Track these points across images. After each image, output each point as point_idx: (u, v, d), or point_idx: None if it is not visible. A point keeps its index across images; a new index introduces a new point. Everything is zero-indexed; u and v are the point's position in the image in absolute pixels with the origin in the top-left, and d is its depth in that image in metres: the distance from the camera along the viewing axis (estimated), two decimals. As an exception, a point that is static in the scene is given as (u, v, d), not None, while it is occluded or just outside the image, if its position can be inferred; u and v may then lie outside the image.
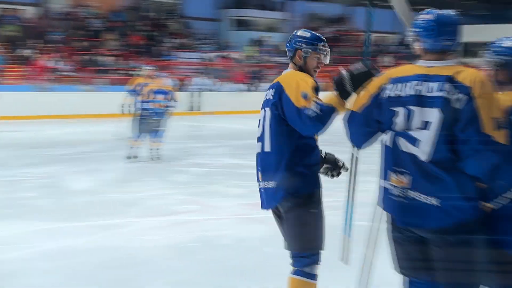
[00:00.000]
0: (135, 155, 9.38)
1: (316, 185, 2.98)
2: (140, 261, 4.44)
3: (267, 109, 3.03)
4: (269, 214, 5.67)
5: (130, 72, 20.39)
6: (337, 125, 2.86)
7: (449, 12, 2.47)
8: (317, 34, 3.11)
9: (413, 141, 2.35)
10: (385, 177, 2.47)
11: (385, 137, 2.48)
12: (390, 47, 32.39)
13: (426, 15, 2.46)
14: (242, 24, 30.05)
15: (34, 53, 20.07)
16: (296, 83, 2.88)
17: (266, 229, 5.33)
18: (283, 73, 3.14)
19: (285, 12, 31.50)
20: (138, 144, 9.39)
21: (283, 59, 27.90)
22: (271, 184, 2.97)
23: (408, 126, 2.39)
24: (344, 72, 2.76)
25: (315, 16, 32.34)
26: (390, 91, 2.46)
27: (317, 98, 2.81)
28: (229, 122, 18.27)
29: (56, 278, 4.10)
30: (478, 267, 2.34)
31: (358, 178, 3.11)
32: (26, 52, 20.04)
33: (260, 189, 3.10)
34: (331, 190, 3.34)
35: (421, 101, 2.35)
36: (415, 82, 2.39)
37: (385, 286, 3.23)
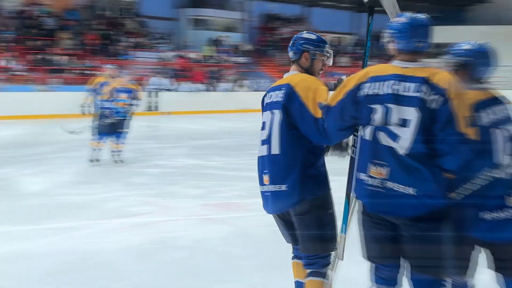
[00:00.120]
0: (97, 158, 9.04)
1: (328, 185, 2.99)
2: (96, 264, 4.35)
3: (276, 111, 2.97)
4: (228, 214, 5.61)
5: (86, 72, 20.12)
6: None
7: (422, 15, 2.65)
8: (322, 37, 3.15)
9: (394, 136, 2.53)
10: (364, 169, 2.63)
11: (365, 131, 2.63)
12: (347, 47, 32.81)
13: (400, 18, 2.66)
14: (200, 24, 29.94)
15: (-15, 52, 19.53)
16: (313, 92, 2.88)
17: (225, 230, 5.32)
18: (289, 74, 3.10)
19: (243, 12, 31.52)
20: (100, 146, 9.05)
21: (241, 59, 27.98)
22: (284, 187, 2.91)
23: (386, 122, 2.56)
24: (345, 78, 2.84)
25: (273, 16, 32.49)
26: (368, 89, 2.62)
27: None
28: (187, 122, 18.17)
29: (9, 282, 3.97)
30: (445, 251, 2.54)
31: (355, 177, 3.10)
32: (-23, 51, 19.49)
33: (264, 192, 3.04)
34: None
35: (399, 99, 2.53)
36: (392, 81, 2.57)
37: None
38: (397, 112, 2.53)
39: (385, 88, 2.57)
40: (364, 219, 2.72)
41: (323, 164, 3.01)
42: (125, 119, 9.11)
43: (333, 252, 3.01)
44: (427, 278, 2.57)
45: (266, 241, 4.91)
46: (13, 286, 3.95)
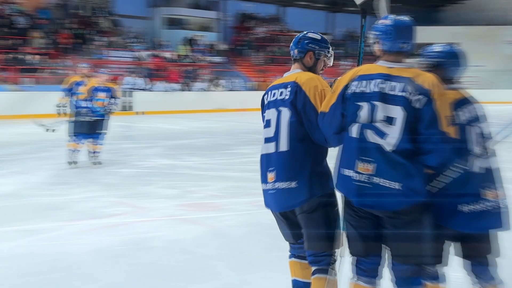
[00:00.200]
0: (75, 160, 8.80)
1: (333, 183, 2.99)
2: (68, 266, 4.28)
3: (284, 109, 2.99)
4: (202, 214, 5.58)
5: (59, 71, 19.83)
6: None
7: (406, 17, 2.79)
8: (325, 38, 3.20)
9: (382, 134, 2.64)
10: (351, 165, 2.70)
11: (351, 129, 2.72)
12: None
13: (385, 20, 2.78)
14: (175, 23, 29.79)
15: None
16: (322, 94, 2.93)
17: (200, 230, 5.29)
18: (292, 72, 3.12)
19: (218, 11, 31.45)
20: (77, 147, 8.79)
21: (216, 59, 27.92)
22: (293, 184, 2.92)
23: (371, 119, 2.67)
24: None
25: (248, 15, 32.50)
26: (355, 87, 2.74)
27: None
28: (161, 122, 18.06)
29: (-24, 287, 3.89)
30: (425, 242, 2.71)
31: None
32: None
33: (267, 190, 3.03)
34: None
35: (385, 98, 2.66)
36: (379, 80, 2.69)
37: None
38: (383, 109, 2.64)
39: (372, 86, 2.69)
40: (347, 212, 2.81)
41: (326, 162, 3.06)
42: (103, 120, 8.90)
43: (338, 249, 3.04)
44: (407, 267, 2.71)
45: (241, 241, 4.90)
46: (-18, 290, 3.87)
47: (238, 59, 29.34)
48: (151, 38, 27.79)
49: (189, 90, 23.90)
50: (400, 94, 2.63)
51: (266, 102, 3.13)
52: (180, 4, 29.66)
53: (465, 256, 2.94)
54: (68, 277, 4.07)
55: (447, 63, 2.93)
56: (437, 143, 2.59)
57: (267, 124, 3.06)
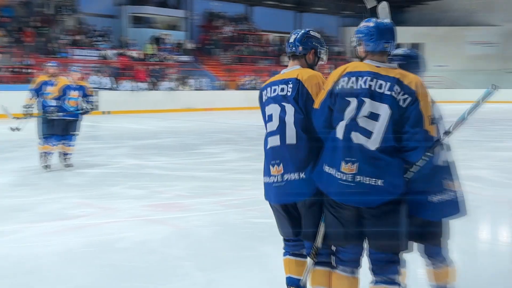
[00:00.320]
0: (49, 163, 8.46)
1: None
2: (31, 269, 4.20)
3: (287, 104, 3.03)
4: (169, 215, 5.55)
5: (22, 70, 19.46)
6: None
7: (386, 20, 2.97)
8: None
9: (366, 133, 2.75)
10: (336, 165, 2.80)
11: (336, 129, 2.82)
12: (289, 47, 33.05)
13: (367, 23, 2.90)
14: (141, 21, 29.53)
15: None
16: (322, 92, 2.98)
17: (166, 230, 5.25)
18: (292, 69, 3.17)
19: (185, 10, 31.30)
20: (49, 150, 8.47)
21: (184, 58, 27.78)
22: (302, 175, 2.96)
23: (356, 114, 2.78)
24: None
25: (216, 14, 32.43)
26: (344, 83, 2.84)
27: None
28: (128, 122, 17.88)
29: None
30: (400, 231, 2.83)
31: None
32: None
33: (271, 183, 3.07)
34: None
35: (372, 95, 2.77)
36: (369, 77, 2.80)
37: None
38: (370, 106, 2.76)
39: (361, 82, 2.80)
40: (328, 203, 2.90)
41: None
42: (77, 120, 8.65)
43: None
44: (384, 255, 2.84)
45: (208, 241, 4.88)
46: None
47: (205, 58, 29.26)
48: (118, 36, 27.46)
49: (156, 90, 23.73)
50: (387, 92, 2.75)
51: (265, 98, 3.17)
52: (147, 3, 29.41)
53: (420, 239, 3.13)
54: (33, 280, 3.99)
55: (407, 65, 3.06)
56: (421, 141, 2.74)
57: (269, 118, 3.12)
